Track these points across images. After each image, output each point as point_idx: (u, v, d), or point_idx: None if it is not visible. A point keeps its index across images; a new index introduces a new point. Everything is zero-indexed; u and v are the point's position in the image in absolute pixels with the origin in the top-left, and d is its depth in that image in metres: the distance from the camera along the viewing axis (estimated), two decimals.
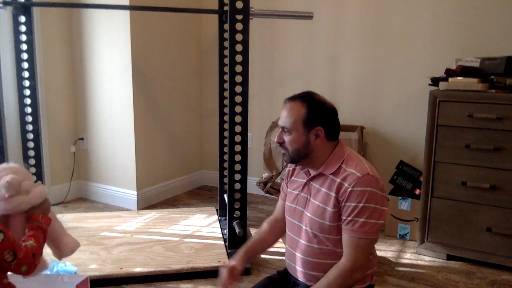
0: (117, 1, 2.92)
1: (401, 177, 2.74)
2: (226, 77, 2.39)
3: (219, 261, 2.24)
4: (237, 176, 2.36)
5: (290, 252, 1.51)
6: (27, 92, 2.56)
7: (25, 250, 1.18)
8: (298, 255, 1.46)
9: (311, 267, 1.43)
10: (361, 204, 1.32)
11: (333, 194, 1.37)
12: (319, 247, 1.41)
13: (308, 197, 1.45)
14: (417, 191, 2.66)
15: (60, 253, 1.44)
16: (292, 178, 1.56)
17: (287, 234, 1.55)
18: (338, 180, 1.37)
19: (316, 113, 1.39)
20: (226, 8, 2.29)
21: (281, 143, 1.44)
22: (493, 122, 2.20)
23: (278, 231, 1.62)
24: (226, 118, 2.52)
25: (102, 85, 3.22)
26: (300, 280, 1.48)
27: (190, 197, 3.53)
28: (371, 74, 3.00)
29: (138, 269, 2.17)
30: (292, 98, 1.43)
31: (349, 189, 1.33)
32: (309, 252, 1.43)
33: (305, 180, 1.48)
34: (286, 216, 1.56)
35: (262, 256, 2.43)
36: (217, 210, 2.98)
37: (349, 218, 1.33)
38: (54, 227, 1.39)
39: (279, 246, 2.58)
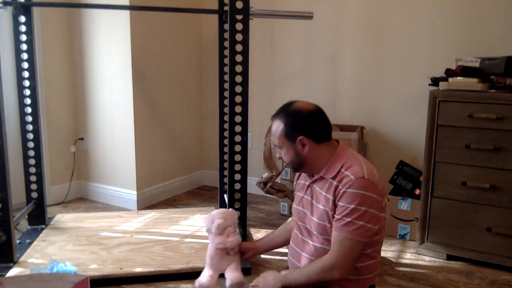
0: (117, 1, 2.92)
1: (401, 177, 2.74)
2: (226, 77, 2.38)
3: None
4: (237, 176, 2.36)
5: (296, 251, 1.54)
6: (27, 92, 2.56)
7: None
8: (305, 255, 1.49)
9: None
10: (351, 206, 1.34)
11: (331, 197, 1.40)
12: (326, 248, 1.43)
13: (311, 200, 1.49)
14: (417, 191, 2.66)
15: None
16: (298, 180, 1.62)
17: (295, 234, 1.58)
18: (335, 183, 1.40)
19: (293, 124, 1.43)
20: (226, 8, 2.29)
21: (281, 158, 1.52)
22: (493, 122, 2.20)
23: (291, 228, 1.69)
24: (226, 118, 2.52)
25: (102, 85, 3.22)
26: None
27: (190, 197, 3.53)
28: (371, 74, 3.00)
29: (138, 269, 2.17)
30: (275, 115, 1.49)
31: (342, 190, 1.36)
32: (317, 253, 1.45)
33: (308, 183, 1.52)
34: (293, 217, 1.62)
35: (262, 256, 2.43)
36: None
37: (338, 217, 1.36)
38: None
39: None
